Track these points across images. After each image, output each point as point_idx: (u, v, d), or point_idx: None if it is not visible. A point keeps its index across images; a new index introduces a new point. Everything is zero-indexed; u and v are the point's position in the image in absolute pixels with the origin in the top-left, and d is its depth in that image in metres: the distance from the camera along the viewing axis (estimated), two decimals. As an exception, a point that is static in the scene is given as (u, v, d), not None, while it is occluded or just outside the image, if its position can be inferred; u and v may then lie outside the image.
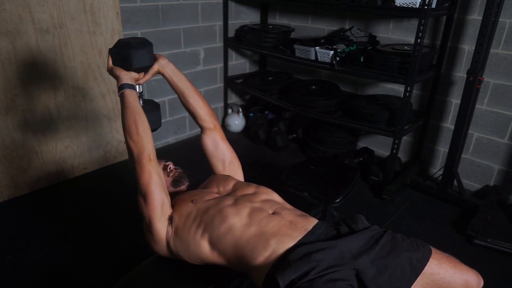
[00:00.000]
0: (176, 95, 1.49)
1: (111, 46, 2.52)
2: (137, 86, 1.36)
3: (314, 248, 1.08)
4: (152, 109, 1.42)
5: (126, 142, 1.25)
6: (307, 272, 1.01)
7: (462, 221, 2.32)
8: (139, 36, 2.75)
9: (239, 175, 1.53)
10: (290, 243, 1.10)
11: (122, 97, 1.29)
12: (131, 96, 1.28)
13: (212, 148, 1.49)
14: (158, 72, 1.42)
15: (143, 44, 1.33)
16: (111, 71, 1.34)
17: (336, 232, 1.18)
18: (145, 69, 1.36)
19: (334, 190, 1.70)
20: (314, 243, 1.10)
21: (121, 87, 1.30)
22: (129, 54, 1.29)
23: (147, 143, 1.23)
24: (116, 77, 1.33)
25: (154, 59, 1.39)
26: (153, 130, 1.34)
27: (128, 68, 1.32)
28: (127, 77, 1.31)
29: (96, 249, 2.03)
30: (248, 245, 1.12)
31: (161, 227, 1.23)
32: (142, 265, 1.31)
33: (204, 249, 1.18)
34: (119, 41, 1.34)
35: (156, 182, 1.21)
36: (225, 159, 1.50)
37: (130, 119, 1.24)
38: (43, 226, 2.19)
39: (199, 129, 1.53)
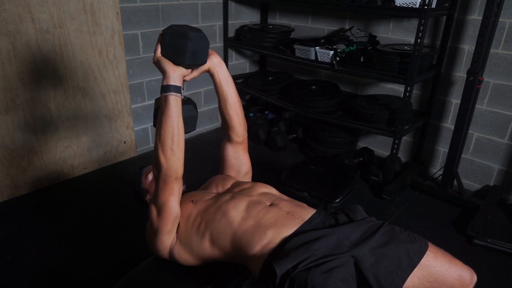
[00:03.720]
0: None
1: (111, 46, 2.57)
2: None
3: (311, 237, 1.08)
4: (190, 110, 1.27)
5: (156, 150, 1.13)
6: (303, 261, 1.01)
7: (462, 221, 2.32)
8: (139, 35, 2.75)
9: None
10: (287, 233, 1.11)
11: (165, 101, 1.11)
12: (175, 104, 1.11)
13: (232, 158, 1.46)
14: (208, 71, 1.27)
15: (202, 38, 1.14)
16: (157, 63, 1.15)
17: (335, 221, 1.18)
18: (196, 66, 1.20)
19: (334, 190, 1.70)
20: (311, 231, 1.10)
21: (167, 89, 1.11)
22: (186, 48, 1.10)
23: (177, 161, 1.12)
24: (164, 72, 1.13)
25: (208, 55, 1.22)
26: (186, 133, 1.22)
27: (179, 62, 1.13)
28: (176, 75, 1.13)
29: (96, 249, 2.03)
30: (245, 236, 1.13)
31: (168, 239, 1.21)
32: (142, 265, 1.31)
33: (205, 247, 1.19)
34: (173, 28, 1.13)
35: (176, 199, 1.16)
36: (241, 170, 1.48)
37: (167, 131, 1.10)
38: (43, 226, 2.19)
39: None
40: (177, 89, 1.12)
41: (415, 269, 1.08)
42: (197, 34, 1.13)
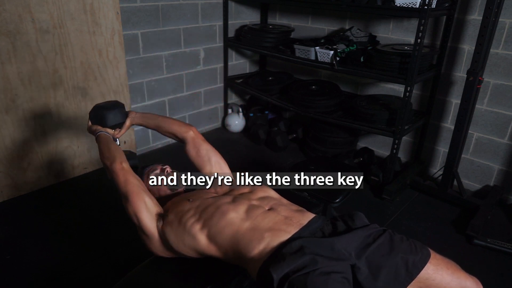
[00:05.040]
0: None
1: (111, 46, 2.59)
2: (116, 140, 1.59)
3: (309, 243, 1.08)
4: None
5: (103, 164, 1.39)
6: (301, 266, 1.01)
7: (462, 221, 2.32)
8: (139, 35, 2.76)
9: (227, 172, 1.55)
10: (284, 237, 1.11)
11: (99, 137, 1.50)
12: (106, 136, 1.50)
13: (195, 151, 1.54)
14: (134, 125, 1.64)
15: (115, 105, 1.60)
16: (89, 129, 1.57)
17: (333, 228, 1.18)
18: (119, 126, 1.60)
19: (334, 190, 1.70)
20: (310, 238, 1.10)
21: (98, 132, 1.52)
22: (104, 115, 1.56)
23: (118, 154, 1.38)
24: (93, 131, 1.55)
25: (126, 115, 1.61)
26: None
27: (104, 125, 1.57)
28: (103, 129, 1.54)
29: (96, 249, 2.03)
30: (244, 239, 1.13)
31: (149, 221, 1.26)
32: (142, 265, 1.31)
33: (200, 241, 1.19)
34: (95, 106, 1.61)
35: (131, 181, 1.30)
36: (210, 158, 1.53)
37: (104, 146, 1.44)
38: (43, 226, 2.19)
39: (200, 129, 1.54)
40: (105, 131, 1.53)
41: (413, 281, 1.07)
42: (112, 103, 1.61)
